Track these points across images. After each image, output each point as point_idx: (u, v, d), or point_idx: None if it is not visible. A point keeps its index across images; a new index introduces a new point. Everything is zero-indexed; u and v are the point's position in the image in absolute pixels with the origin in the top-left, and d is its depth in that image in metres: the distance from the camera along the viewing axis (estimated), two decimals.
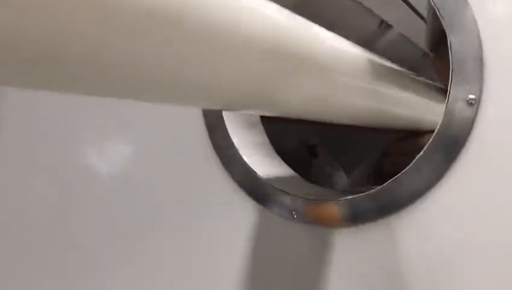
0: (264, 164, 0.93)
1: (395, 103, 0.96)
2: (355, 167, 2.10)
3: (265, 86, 0.55)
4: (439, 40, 1.10)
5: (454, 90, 0.70)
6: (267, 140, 1.00)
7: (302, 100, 0.67)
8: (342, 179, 2.11)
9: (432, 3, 0.71)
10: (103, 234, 0.99)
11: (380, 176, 1.15)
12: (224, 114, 0.90)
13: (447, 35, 0.70)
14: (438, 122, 0.73)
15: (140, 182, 0.96)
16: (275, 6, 0.56)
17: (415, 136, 1.21)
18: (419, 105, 1.09)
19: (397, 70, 0.97)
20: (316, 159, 2.13)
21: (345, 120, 0.94)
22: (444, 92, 1.41)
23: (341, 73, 0.76)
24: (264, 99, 0.59)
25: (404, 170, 0.75)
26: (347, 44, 0.78)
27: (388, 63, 0.93)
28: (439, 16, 0.70)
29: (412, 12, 2.77)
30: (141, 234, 0.97)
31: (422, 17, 2.87)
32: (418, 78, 1.12)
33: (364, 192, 0.82)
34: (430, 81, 1.24)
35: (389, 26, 2.68)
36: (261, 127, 1.00)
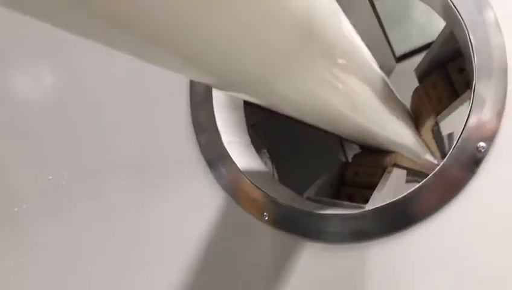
0: (241, 153, 0.86)
1: (382, 124, 0.94)
2: (285, 159, 2.10)
3: (281, 65, 0.48)
4: (432, 71, 1.10)
5: (467, 132, 0.68)
6: (246, 127, 0.93)
7: (308, 94, 0.61)
8: (267, 165, 2.10)
9: (469, 41, 0.68)
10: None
11: (340, 184, 1.14)
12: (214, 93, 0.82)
13: (474, 77, 0.68)
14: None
15: (107, 144, 0.85)
16: None
17: (378, 153, 1.22)
18: (398, 128, 1.08)
19: (392, 91, 0.95)
20: None
21: (322, 124, 0.90)
22: (411, 117, 1.45)
23: (355, 79, 0.71)
24: (272, 81, 0.52)
25: (394, 200, 0.72)
26: (367, 52, 0.74)
27: (389, 83, 0.90)
28: (472, 56, 0.68)
29: (376, 22, 2.82)
30: (91, 196, 0.86)
31: (383, 29, 2.94)
32: (399, 99, 1.11)
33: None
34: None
35: None
36: (243, 112, 0.93)
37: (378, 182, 1.04)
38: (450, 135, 1.57)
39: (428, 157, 1.78)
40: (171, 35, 0.34)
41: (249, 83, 0.50)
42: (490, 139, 0.67)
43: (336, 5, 0.55)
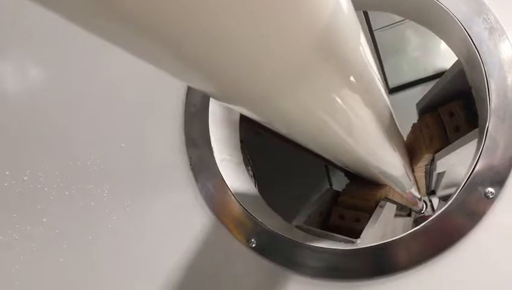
0: (233, 173, 0.81)
1: (380, 151, 0.90)
2: (268, 177, 2.07)
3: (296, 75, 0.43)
4: (435, 106, 1.07)
5: (475, 176, 0.64)
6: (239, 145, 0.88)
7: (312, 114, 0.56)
8: (251, 180, 2.06)
9: (485, 80, 0.65)
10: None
11: (330, 214, 1.09)
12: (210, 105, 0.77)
13: (488, 118, 0.64)
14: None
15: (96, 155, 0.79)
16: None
17: (370, 185, 1.18)
18: (393, 159, 1.04)
19: (394, 120, 0.92)
20: None
21: (317, 148, 0.86)
22: (406, 149, 1.41)
23: (361, 101, 0.67)
24: (281, 93, 0.47)
25: (388, 241, 0.67)
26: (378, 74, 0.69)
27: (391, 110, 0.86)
28: (487, 96, 0.64)
29: (374, 52, 2.83)
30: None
31: (380, 60, 2.95)
32: (399, 129, 1.08)
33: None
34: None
35: None
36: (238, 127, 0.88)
37: (368, 216, 1.00)
38: (440, 174, 1.54)
39: (413, 191, 1.75)
40: (188, 45, 0.30)
41: (254, 96, 0.45)
42: (500, 184, 0.63)
43: (358, 23, 0.51)
